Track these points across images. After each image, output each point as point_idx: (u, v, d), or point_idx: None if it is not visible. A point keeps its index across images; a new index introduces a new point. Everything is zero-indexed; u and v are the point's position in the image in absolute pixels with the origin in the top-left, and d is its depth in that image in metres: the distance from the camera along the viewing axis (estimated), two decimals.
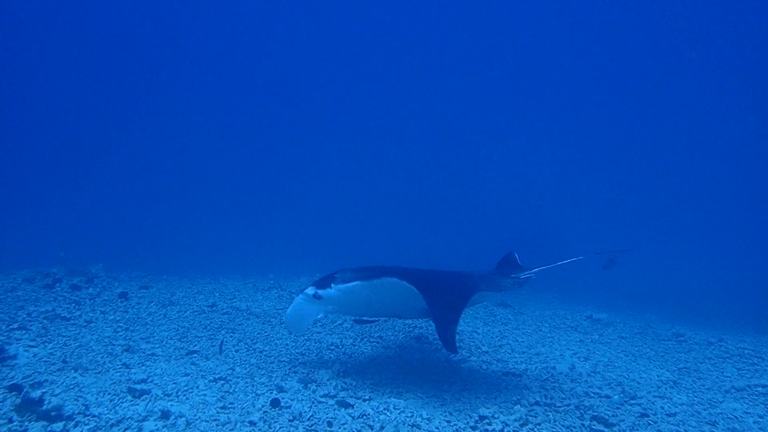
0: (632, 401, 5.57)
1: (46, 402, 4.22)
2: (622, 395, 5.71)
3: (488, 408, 5.02)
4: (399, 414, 4.74)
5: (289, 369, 5.88)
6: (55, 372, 5.29)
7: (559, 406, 5.26)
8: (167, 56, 40.09)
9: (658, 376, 6.57)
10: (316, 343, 7.03)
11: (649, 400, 5.63)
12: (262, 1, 38.58)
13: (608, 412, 5.17)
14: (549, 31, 36.43)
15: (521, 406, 5.14)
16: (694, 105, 35.13)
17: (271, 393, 5.14)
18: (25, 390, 4.39)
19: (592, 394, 5.71)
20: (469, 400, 5.27)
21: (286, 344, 6.91)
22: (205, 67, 40.72)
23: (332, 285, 5.36)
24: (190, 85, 41.10)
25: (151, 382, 5.25)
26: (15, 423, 4.03)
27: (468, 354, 6.98)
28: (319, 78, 42.82)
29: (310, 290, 5.54)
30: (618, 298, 13.86)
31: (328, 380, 5.50)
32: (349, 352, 6.72)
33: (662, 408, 5.43)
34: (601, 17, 33.98)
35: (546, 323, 9.38)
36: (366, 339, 7.32)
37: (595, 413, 5.09)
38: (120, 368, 5.56)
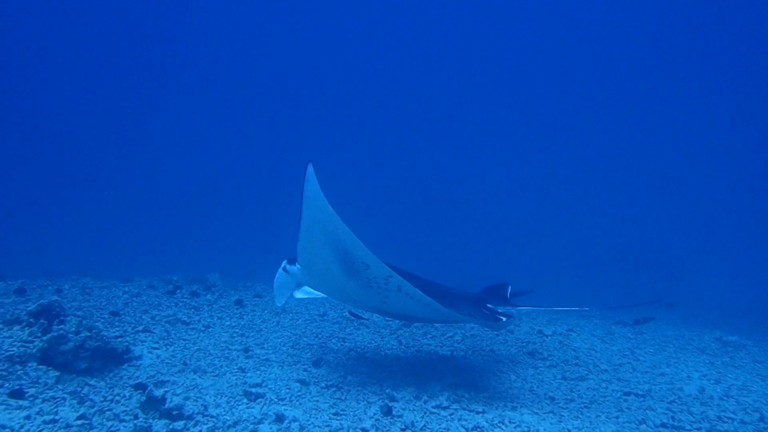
0: None
1: (168, 401, 4.35)
2: (760, 422, 5.22)
3: (609, 427, 4.73)
4: (515, 428, 4.54)
5: (400, 379, 5.80)
6: (176, 373, 5.48)
7: (689, 430, 4.88)
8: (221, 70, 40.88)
9: None
10: (426, 355, 6.93)
11: None
12: (262, 1, 39.03)
13: None
14: (588, 29, 34.95)
15: (647, 427, 4.81)
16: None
17: (383, 402, 5.07)
18: (149, 389, 4.55)
19: (726, 419, 5.26)
20: (588, 417, 4.99)
21: (397, 355, 6.85)
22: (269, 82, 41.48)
23: (297, 263, 5.58)
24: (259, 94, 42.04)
25: (266, 386, 5.33)
26: (140, 419, 4.19)
27: (586, 372, 6.64)
28: (329, 80, 42.91)
29: (284, 263, 5.86)
30: (747, 319, 12.84)
31: (439, 391, 5.38)
32: (461, 365, 6.57)
33: None
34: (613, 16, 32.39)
35: (670, 343, 8.80)
36: (478, 353, 7.15)
37: None
38: (236, 372, 5.69)
